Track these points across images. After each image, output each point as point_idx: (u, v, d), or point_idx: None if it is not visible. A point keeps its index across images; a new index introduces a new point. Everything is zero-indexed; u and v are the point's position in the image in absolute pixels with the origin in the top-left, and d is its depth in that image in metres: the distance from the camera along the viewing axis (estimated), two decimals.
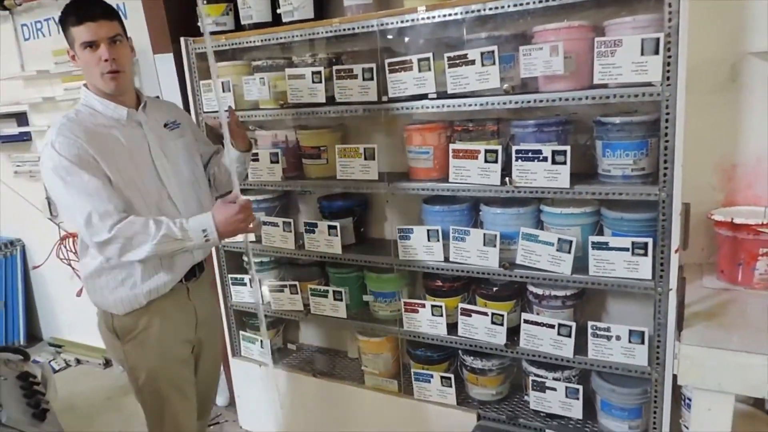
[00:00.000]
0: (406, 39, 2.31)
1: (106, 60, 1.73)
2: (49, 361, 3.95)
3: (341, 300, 2.59)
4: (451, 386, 2.43)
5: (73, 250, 3.87)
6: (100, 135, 1.77)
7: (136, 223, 1.69)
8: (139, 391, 1.96)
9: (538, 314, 2.21)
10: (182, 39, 2.70)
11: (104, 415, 3.41)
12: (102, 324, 1.96)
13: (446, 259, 2.29)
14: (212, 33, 2.66)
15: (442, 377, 2.43)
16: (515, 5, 1.93)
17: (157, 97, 2.80)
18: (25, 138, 3.98)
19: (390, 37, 2.29)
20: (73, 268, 3.88)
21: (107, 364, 3.95)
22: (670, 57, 1.73)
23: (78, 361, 4.08)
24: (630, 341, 2.00)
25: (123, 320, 1.89)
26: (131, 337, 1.90)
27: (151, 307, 1.88)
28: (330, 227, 2.52)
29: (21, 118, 3.97)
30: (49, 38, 3.62)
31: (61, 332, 4.36)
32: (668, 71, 1.74)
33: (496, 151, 2.08)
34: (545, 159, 1.99)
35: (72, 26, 1.72)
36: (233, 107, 2.47)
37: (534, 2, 1.90)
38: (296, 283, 2.70)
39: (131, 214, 1.73)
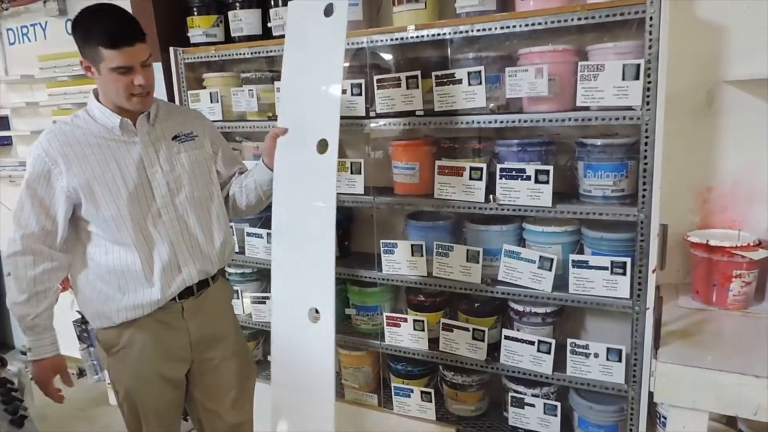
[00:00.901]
0: (395, 56, 2.35)
1: (140, 85, 1.68)
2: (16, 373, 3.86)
3: None
4: (431, 401, 2.44)
5: None
6: (84, 146, 1.71)
7: (27, 277, 1.72)
8: (120, 406, 1.91)
9: (518, 330, 2.24)
10: (171, 49, 2.72)
11: (77, 427, 3.34)
12: (93, 331, 1.94)
13: (429, 274, 2.32)
14: (202, 44, 2.68)
15: (422, 392, 2.44)
16: (502, 28, 1.99)
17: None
18: (5, 142, 3.93)
19: (379, 53, 2.33)
20: None
21: (81, 374, 3.87)
22: (649, 82, 1.79)
23: None
24: (608, 359, 2.04)
25: (104, 333, 1.84)
26: (113, 352, 1.83)
27: (134, 324, 1.80)
28: None
29: (2, 122, 3.92)
30: (35, 43, 3.60)
31: None
32: (648, 96, 1.80)
33: (480, 169, 2.12)
34: (528, 178, 2.03)
35: (103, 47, 1.61)
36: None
37: (520, 26, 1.95)
38: None
39: (98, 241, 1.75)
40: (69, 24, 3.39)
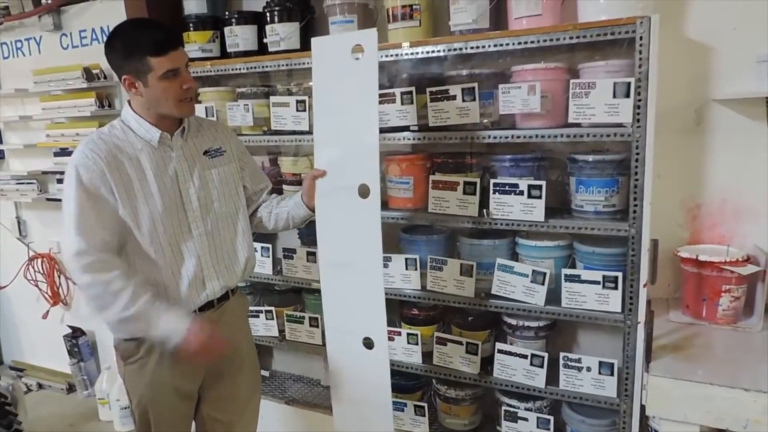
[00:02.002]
0: (390, 72, 2.38)
1: (188, 87, 1.70)
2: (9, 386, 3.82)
3: (317, 326, 2.60)
4: (424, 415, 2.44)
5: (42, 271, 3.79)
6: (124, 157, 1.71)
7: (113, 284, 1.63)
8: (132, 414, 1.92)
9: (511, 344, 2.25)
10: None
11: None
12: (113, 339, 1.89)
13: (423, 288, 2.33)
14: (198, 59, 2.71)
15: (415, 406, 2.44)
16: (495, 46, 2.02)
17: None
18: None
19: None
20: (40, 290, 3.80)
21: (71, 389, 3.84)
22: (640, 100, 1.83)
23: (40, 386, 3.95)
24: (600, 372, 2.05)
25: (124, 344, 1.82)
26: (131, 361, 1.83)
27: None
28: (308, 253, 2.54)
29: None
30: (29, 57, 3.61)
31: (24, 355, 4.23)
32: (638, 113, 1.84)
33: (474, 184, 2.14)
34: (521, 193, 2.06)
35: (151, 56, 1.62)
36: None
37: (513, 44, 1.99)
38: (272, 308, 2.70)
39: (134, 252, 1.71)
40: (63, 38, 3.41)
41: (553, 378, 2.15)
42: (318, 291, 2.60)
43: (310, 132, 2.44)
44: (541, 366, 2.14)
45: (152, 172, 1.73)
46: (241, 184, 1.97)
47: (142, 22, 1.69)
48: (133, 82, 1.68)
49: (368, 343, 1.94)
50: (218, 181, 1.87)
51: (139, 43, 1.64)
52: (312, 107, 2.39)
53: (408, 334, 2.39)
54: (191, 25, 2.72)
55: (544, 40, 1.93)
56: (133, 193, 1.70)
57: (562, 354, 2.12)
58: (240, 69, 2.57)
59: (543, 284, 2.08)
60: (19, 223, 3.90)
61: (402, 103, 2.21)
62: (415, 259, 2.32)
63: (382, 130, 2.24)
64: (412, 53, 2.17)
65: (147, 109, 1.74)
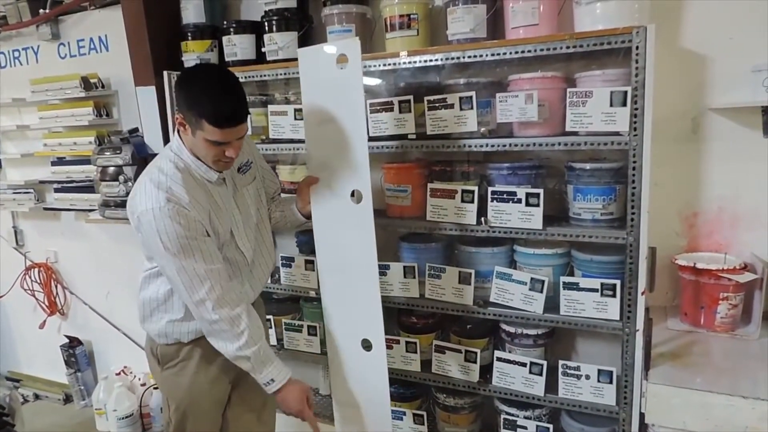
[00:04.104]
0: (388, 81, 2.39)
1: (230, 157, 1.71)
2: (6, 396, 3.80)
3: (316, 335, 2.59)
4: (423, 424, 2.43)
5: (39, 281, 3.78)
6: (202, 196, 1.73)
7: (240, 323, 1.71)
8: (168, 421, 1.96)
9: (510, 352, 2.25)
10: (165, 72, 2.74)
11: None
12: (147, 347, 1.97)
13: (422, 296, 2.33)
14: None
15: (414, 415, 2.44)
16: (493, 55, 2.03)
17: None
18: None
19: (372, 78, 2.37)
20: (37, 300, 3.79)
21: (67, 399, 3.81)
22: (636, 109, 1.84)
23: (36, 396, 3.93)
24: (599, 380, 2.05)
25: (165, 348, 1.90)
26: (170, 365, 1.90)
27: (194, 341, 1.88)
28: (307, 261, 2.54)
29: None
30: (27, 67, 3.61)
31: (20, 366, 4.21)
32: (635, 122, 1.85)
33: (472, 192, 2.15)
34: (519, 201, 2.06)
35: (207, 121, 1.61)
36: None
37: (510, 53, 2.00)
38: (270, 317, 2.70)
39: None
40: (60, 48, 3.42)
41: (552, 386, 2.15)
42: (316, 299, 2.62)
43: None
44: (540, 374, 2.14)
45: (220, 205, 1.79)
46: (264, 191, 2.05)
47: (216, 86, 1.64)
48: (184, 123, 1.69)
49: (367, 345, 1.96)
50: (254, 196, 1.95)
51: (200, 105, 1.62)
52: None
53: (406, 342, 2.39)
54: (189, 34, 2.74)
55: (541, 50, 1.94)
56: (215, 226, 1.77)
57: (560, 362, 2.12)
58: (238, 78, 2.57)
59: (541, 292, 2.09)
60: (15, 232, 3.90)
61: (400, 112, 2.21)
62: (414, 267, 2.32)
63: (380, 139, 2.28)
64: (409, 62, 2.18)
65: (193, 150, 1.75)
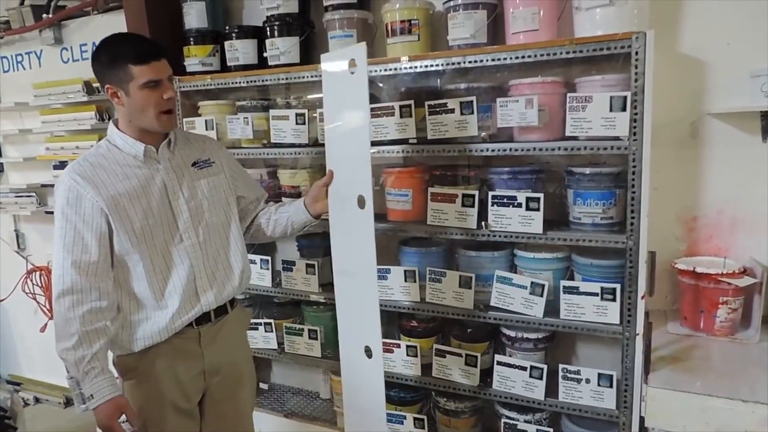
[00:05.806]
0: (389, 86, 2.41)
1: (169, 97, 1.71)
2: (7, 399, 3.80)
3: (316, 339, 2.60)
4: (423, 428, 2.43)
5: (40, 284, 3.78)
6: (108, 173, 1.72)
7: (73, 319, 1.64)
8: None
9: (510, 356, 2.25)
10: None
11: None
12: (113, 356, 1.88)
13: (422, 300, 2.34)
14: (198, 73, 2.73)
15: (415, 419, 2.44)
16: (493, 60, 2.05)
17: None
18: None
19: (374, 83, 2.38)
20: (38, 303, 3.79)
21: (68, 403, 3.81)
22: (636, 114, 1.85)
23: (37, 400, 3.93)
24: (599, 384, 2.06)
25: (122, 359, 1.81)
26: (129, 377, 1.82)
27: (151, 350, 1.79)
28: (308, 265, 2.54)
29: None
30: (30, 71, 3.63)
31: (21, 369, 4.21)
32: (635, 127, 1.86)
33: (473, 196, 2.16)
34: (520, 205, 2.07)
35: (132, 65, 1.66)
36: None
37: (510, 58, 2.02)
38: (271, 321, 2.70)
39: (119, 262, 1.73)
40: (63, 52, 3.43)
41: (552, 390, 2.15)
42: (317, 303, 2.63)
43: (309, 145, 2.47)
44: (540, 378, 2.14)
45: (140, 186, 1.74)
46: (233, 195, 1.97)
47: (125, 34, 1.77)
48: (116, 91, 1.71)
49: (369, 352, 1.94)
50: (208, 192, 1.88)
51: (120, 52, 1.69)
52: (311, 121, 2.44)
53: (407, 346, 2.39)
54: (192, 39, 2.75)
55: (541, 55, 1.96)
56: (122, 206, 1.71)
57: (561, 366, 2.13)
58: (240, 82, 2.60)
59: (542, 296, 2.09)
60: (17, 236, 3.90)
61: (401, 116, 2.23)
62: (414, 271, 2.33)
63: (381, 143, 2.29)
64: (410, 67, 2.19)
65: (129, 122, 1.76)
